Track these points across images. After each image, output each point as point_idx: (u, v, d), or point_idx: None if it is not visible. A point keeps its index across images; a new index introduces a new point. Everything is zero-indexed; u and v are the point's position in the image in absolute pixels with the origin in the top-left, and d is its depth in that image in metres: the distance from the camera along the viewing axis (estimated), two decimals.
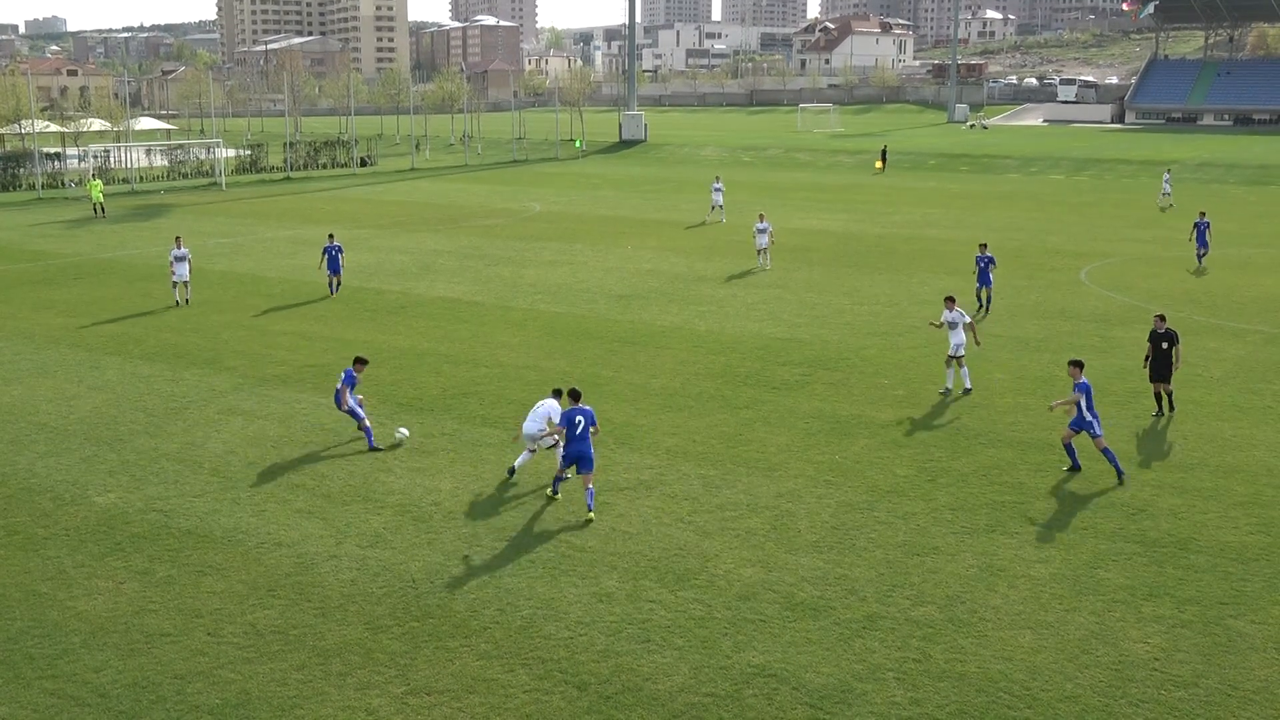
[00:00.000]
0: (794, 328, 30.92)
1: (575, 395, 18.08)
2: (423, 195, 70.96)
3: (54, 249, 47.37)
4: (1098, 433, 19.08)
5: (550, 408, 18.92)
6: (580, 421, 17.53)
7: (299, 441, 21.43)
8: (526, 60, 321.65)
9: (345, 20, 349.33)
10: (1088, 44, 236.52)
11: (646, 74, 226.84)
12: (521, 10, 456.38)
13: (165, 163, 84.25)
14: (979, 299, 32.53)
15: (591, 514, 17.56)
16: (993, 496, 18.37)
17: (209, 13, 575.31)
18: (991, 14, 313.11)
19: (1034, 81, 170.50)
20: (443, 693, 12.72)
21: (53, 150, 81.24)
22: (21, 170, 74.67)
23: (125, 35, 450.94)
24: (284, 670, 13.19)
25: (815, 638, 13.82)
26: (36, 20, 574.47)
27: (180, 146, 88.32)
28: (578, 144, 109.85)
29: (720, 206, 54.83)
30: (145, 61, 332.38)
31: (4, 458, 20.64)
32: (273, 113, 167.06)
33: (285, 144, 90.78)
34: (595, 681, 12.90)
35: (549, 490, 18.46)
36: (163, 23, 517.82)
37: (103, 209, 59.48)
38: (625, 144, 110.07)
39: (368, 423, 21.02)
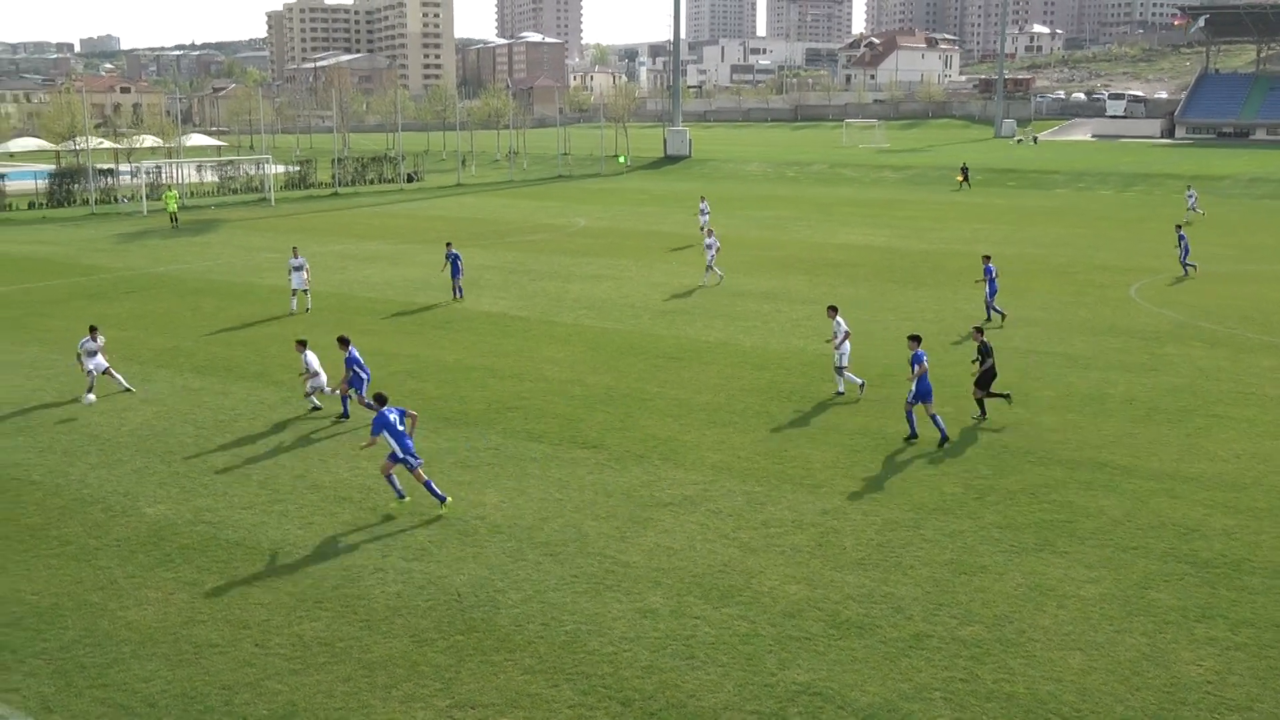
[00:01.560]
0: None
1: (381, 399, 18.71)
2: (468, 211, 71.42)
3: (107, 263, 48.10)
4: (913, 401, 21.75)
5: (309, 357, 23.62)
6: (395, 418, 18.23)
7: (346, 454, 21.58)
8: (572, 76, 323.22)
9: (393, 38, 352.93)
10: (1136, 58, 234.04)
11: (691, 90, 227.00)
12: (567, 27, 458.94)
13: (215, 179, 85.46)
14: (992, 311, 33.22)
15: (446, 507, 18.41)
16: (1041, 515, 18.17)
17: (259, 31, 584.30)
18: (1039, 28, 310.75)
19: (1082, 96, 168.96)
20: (487, 707, 12.74)
21: (106, 166, 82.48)
22: (76, 186, 76.03)
23: (177, 53, 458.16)
24: (330, 682, 13.27)
25: (861, 656, 13.71)
26: (91, 39, 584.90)
27: (230, 162, 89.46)
28: (622, 160, 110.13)
29: (703, 227, 51.48)
30: (196, 79, 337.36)
31: (58, 469, 20.96)
32: (321, 129, 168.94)
33: (333, 160, 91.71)
34: (639, 698, 12.87)
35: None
36: (214, 41, 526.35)
37: (176, 219, 63.05)
38: (670, 159, 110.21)
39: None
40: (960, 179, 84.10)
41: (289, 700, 12.89)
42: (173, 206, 64.02)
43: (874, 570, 16.12)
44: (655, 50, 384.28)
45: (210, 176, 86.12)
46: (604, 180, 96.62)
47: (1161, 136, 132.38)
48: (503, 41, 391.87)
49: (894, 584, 15.66)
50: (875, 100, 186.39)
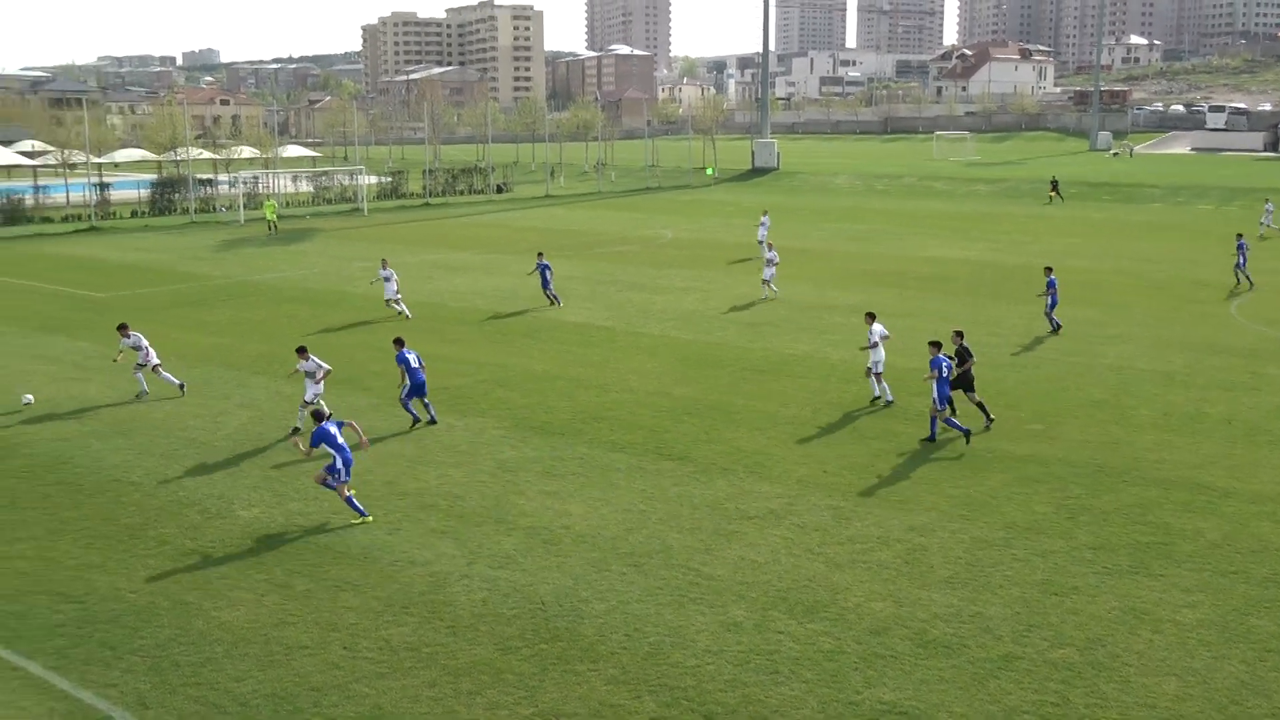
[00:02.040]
0: (927, 358, 30.32)
1: (319, 415, 18.77)
2: (557, 222, 71.94)
3: (205, 271, 49.31)
4: (940, 406, 22.23)
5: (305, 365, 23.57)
6: (334, 430, 18.47)
7: (433, 462, 21.84)
8: (660, 88, 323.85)
9: (484, 50, 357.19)
10: (1238, 70, 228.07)
11: (779, 101, 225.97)
12: (655, 39, 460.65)
13: (310, 189, 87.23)
14: (1051, 321, 33.72)
15: (364, 520, 18.59)
16: (1136, 536, 17.74)
17: (354, 44, 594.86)
18: (1136, 39, 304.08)
19: (1181, 108, 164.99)
20: (570, 716, 12.77)
21: (205, 177, 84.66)
22: (176, 195, 78.23)
23: (275, 66, 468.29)
24: (416, 687, 13.42)
25: (948, 676, 13.50)
26: (193, 52, 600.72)
27: (325, 173, 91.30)
28: (710, 171, 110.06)
29: (761, 241, 51.16)
30: (293, 91, 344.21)
31: (156, 470, 21.51)
32: (413, 140, 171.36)
33: (425, 171, 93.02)
34: (722, 712, 12.81)
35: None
36: (310, 54, 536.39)
37: (275, 227, 65.19)
38: (758, 172, 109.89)
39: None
40: (1051, 192, 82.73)
41: (375, 704, 13.06)
42: (272, 215, 66.21)
43: (962, 589, 15.87)
44: (744, 62, 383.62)
45: (305, 187, 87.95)
46: (691, 192, 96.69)
47: (1265, 150, 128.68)
48: (592, 54, 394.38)
49: (983, 603, 15.41)
50: (967, 112, 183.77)
